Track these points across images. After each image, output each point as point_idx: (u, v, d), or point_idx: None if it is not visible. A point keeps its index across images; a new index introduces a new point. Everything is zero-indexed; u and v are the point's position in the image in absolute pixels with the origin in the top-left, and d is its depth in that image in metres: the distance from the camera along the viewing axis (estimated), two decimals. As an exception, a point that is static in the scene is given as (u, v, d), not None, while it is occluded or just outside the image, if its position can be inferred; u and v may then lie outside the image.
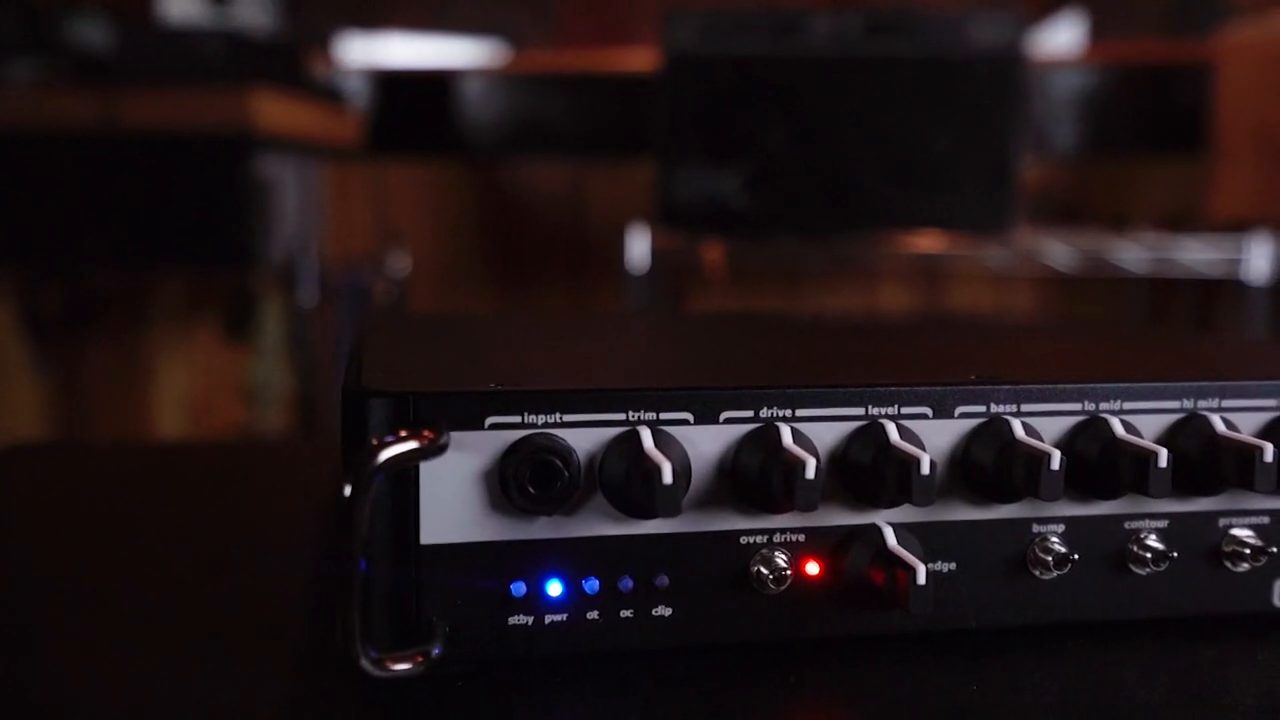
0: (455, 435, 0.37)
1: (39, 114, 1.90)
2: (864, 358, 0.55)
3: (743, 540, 0.40)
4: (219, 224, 1.91)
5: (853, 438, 0.40)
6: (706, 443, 0.39)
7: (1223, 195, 2.50)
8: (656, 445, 0.38)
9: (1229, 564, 0.44)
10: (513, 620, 0.38)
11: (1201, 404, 0.43)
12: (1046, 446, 0.39)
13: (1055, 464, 0.39)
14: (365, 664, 0.33)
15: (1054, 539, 0.42)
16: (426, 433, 0.35)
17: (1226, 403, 0.43)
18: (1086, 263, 2.37)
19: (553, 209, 2.94)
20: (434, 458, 0.35)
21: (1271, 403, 0.44)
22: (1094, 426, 0.42)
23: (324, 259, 2.28)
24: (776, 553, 0.40)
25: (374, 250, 2.58)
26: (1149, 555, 0.43)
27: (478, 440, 0.37)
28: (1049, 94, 2.86)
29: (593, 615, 0.39)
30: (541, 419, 0.38)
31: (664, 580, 0.40)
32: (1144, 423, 0.43)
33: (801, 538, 0.41)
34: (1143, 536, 0.43)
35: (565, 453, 0.38)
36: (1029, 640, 0.43)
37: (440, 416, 0.37)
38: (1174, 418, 0.43)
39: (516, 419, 0.38)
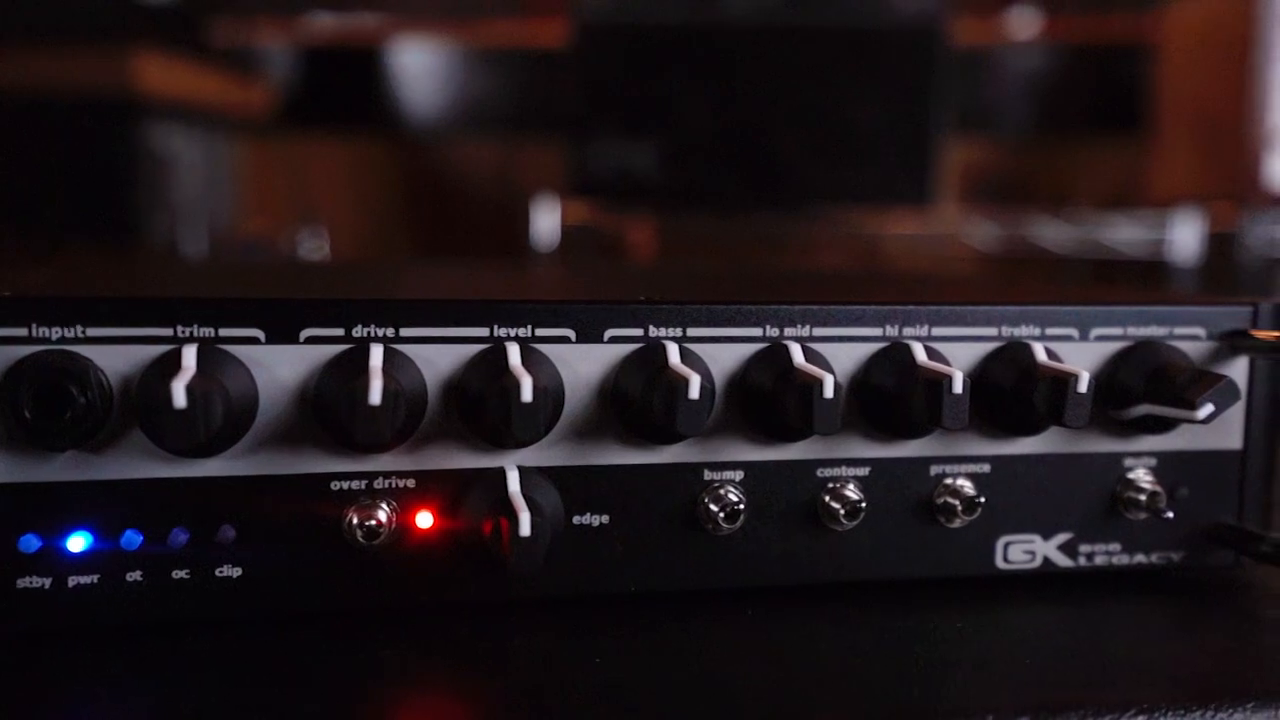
0: (-61, 351, 0.30)
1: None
2: (520, 284, 0.48)
3: (334, 486, 0.33)
4: (97, 194, 1.82)
5: (473, 364, 0.34)
6: (284, 367, 0.33)
7: (1161, 175, 2.46)
8: (208, 368, 0.31)
9: (942, 519, 0.37)
10: (22, 583, 0.31)
11: (907, 331, 0.37)
12: (687, 371, 0.33)
13: (694, 392, 0.32)
14: None
15: (729, 488, 0.36)
16: None
17: (938, 330, 0.37)
18: (1011, 242, 2.32)
19: (482, 186, 2.87)
20: None
21: (991, 331, 0.37)
22: (774, 354, 0.35)
23: (224, 234, 2.19)
24: (378, 502, 0.34)
25: (290, 228, 2.50)
26: (842, 508, 0.36)
27: (-29, 358, 0.30)
28: (995, 74, 2.81)
29: (134, 577, 0.32)
30: (56, 333, 0.31)
31: (229, 533, 0.33)
32: (837, 351, 0.36)
33: (411, 483, 0.34)
34: (837, 486, 0.37)
35: (83, 374, 0.31)
36: (700, 607, 0.36)
37: (-86, 327, 0.30)
38: (874, 347, 0.37)
39: (21, 332, 0.31)
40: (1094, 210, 2.40)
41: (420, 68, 2.84)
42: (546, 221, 2.15)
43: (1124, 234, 2.31)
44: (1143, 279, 2.34)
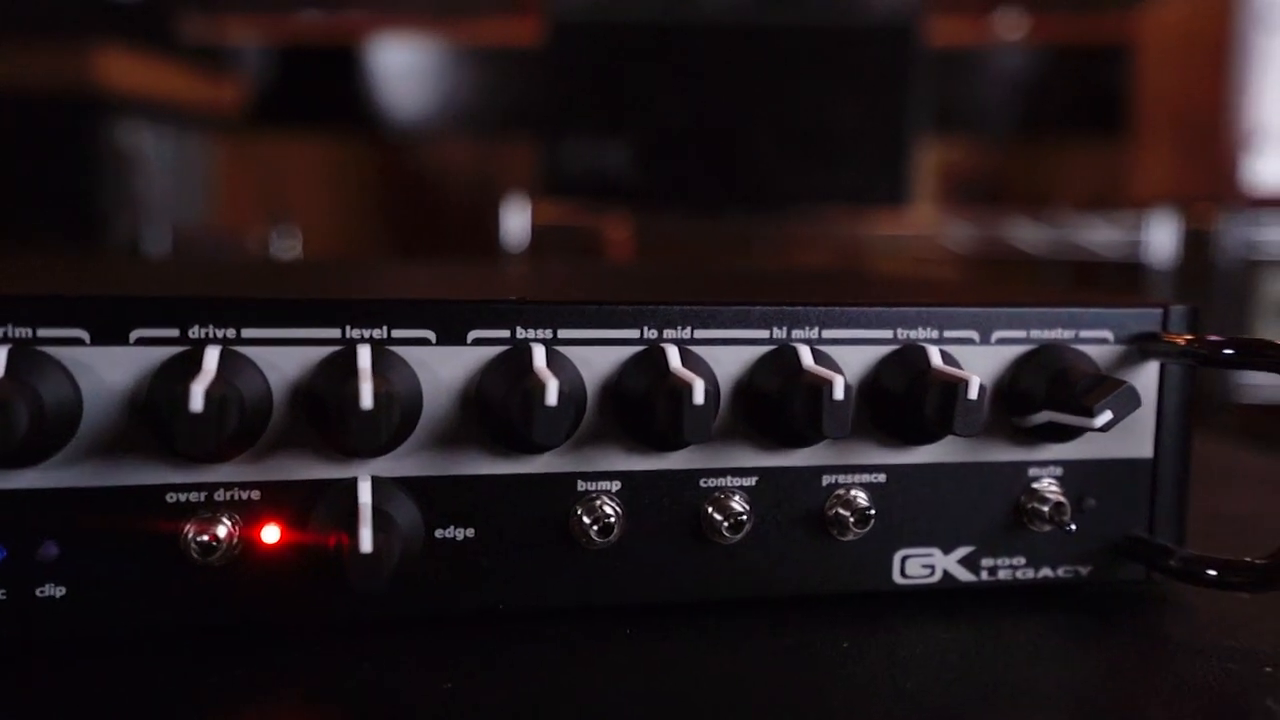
0: None
1: None
2: (380, 282, 0.46)
3: (170, 498, 0.31)
4: (60, 192, 1.79)
5: (322, 367, 0.31)
6: (112, 371, 0.30)
7: (1140, 176, 2.44)
8: (20, 371, 0.29)
9: (834, 531, 0.35)
10: None
11: (796, 333, 0.34)
12: (547, 375, 0.30)
13: (551, 398, 0.30)
14: None
15: (605, 500, 0.34)
16: None
17: (829, 333, 0.35)
18: (989, 244, 2.30)
19: (457, 185, 2.84)
20: None
21: (886, 334, 0.35)
22: (649, 358, 0.33)
23: (190, 233, 2.16)
24: (219, 515, 0.31)
25: (262, 227, 2.47)
26: (726, 520, 0.34)
27: None
28: (975, 75, 2.79)
29: (-55, 595, 0.30)
30: None
31: (52, 550, 0.30)
32: (721, 355, 0.34)
33: (256, 495, 0.32)
34: (721, 497, 0.34)
35: (-120, 378, 0.28)
36: (573, 626, 0.34)
37: None
38: (761, 350, 0.34)
39: None
40: (1074, 212, 2.39)
41: (395, 66, 2.82)
42: (517, 221, 2.13)
43: (1102, 236, 2.29)
44: (1116, 280, 2.33)
